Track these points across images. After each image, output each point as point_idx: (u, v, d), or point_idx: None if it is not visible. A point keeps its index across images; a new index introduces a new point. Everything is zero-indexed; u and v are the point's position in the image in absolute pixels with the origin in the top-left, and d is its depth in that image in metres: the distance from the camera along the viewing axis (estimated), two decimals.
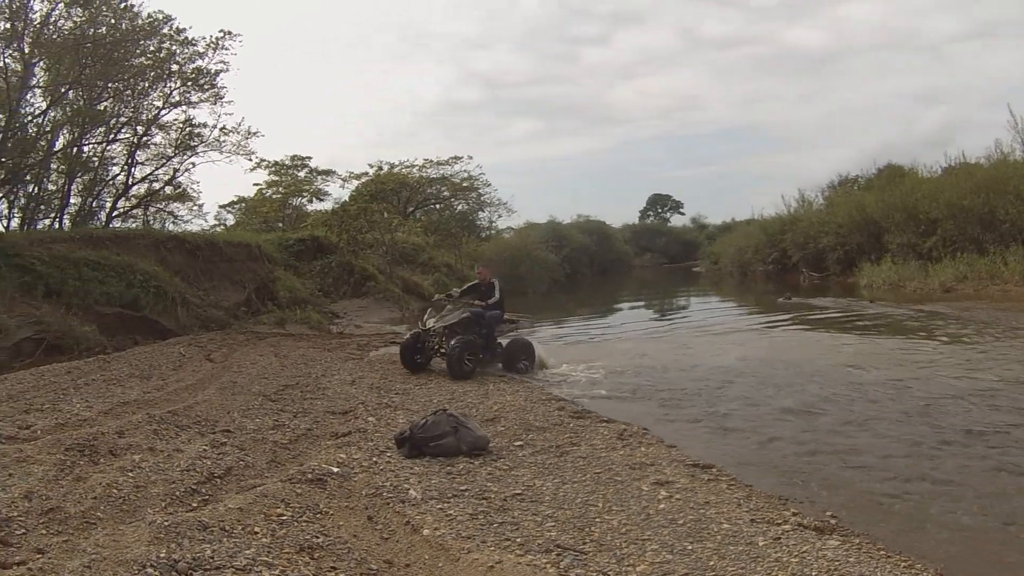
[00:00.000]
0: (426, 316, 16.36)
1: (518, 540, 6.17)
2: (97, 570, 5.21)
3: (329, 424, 10.78)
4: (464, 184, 55.09)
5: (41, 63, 24.05)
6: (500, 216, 58.72)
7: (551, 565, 5.67)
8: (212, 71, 27.79)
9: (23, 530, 6.09)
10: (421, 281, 37.25)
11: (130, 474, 7.56)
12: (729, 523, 6.60)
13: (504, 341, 16.44)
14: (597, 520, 6.70)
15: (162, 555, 5.45)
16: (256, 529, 6.16)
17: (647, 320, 29.85)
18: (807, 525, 6.64)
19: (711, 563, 5.78)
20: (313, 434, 10.17)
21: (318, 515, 6.67)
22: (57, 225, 26.09)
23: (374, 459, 8.70)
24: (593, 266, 63.66)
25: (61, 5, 23.15)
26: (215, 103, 28.69)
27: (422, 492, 7.50)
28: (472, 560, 5.75)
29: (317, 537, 6.12)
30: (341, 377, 14.72)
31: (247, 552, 5.66)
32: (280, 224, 46.88)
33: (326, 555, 5.84)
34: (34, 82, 24.17)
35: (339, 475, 7.86)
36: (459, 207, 56.42)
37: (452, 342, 14.93)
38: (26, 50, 23.00)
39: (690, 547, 6.08)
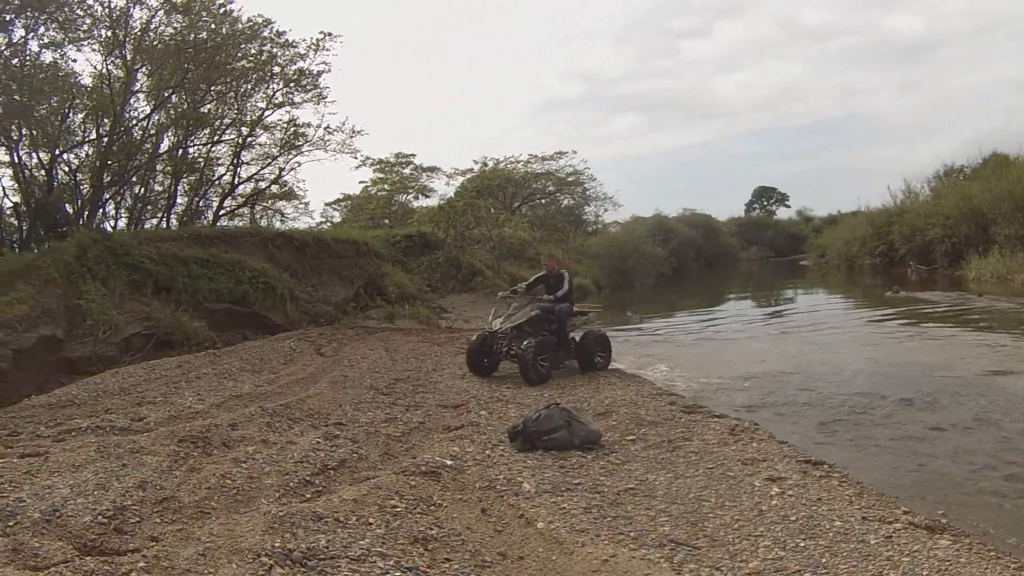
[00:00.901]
0: (491, 316, 15.20)
1: (631, 534, 6.21)
2: (212, 558, 5.29)
3: (441, 418, 10.84)
4: (569, 179, 54.86)
5: (143, 69, 24.78)
6: (606, 210, 58.15)
7: (665, 560, 5.70)
8: (314, 72, 28.16)
9: (137, 519, 6.21)
10: (529, 276, 36.99)
11: (243, 465, 7.72)
12: (841, 520, 6.49)
13: (577, 335, 15.27)
14: (710, 515, 6.67)
15: (277, 544, 5.54)
16: (370, 520, 6.27)
17: (756, 316, 29.12)
18: (918, 524, 6.48)
19: (823, 560, 5.71)
20: (425, 427, 10.25)
21: (432, 507, 6.77)
22: (164, 224, 26.95)
23: (487, 452, 8.77)
24: (700, 259, 62.61)
25: (161, 13, 23.89)
26: (318, 103, 29.09)
27: (536, 485, 7.53)
28: (586, 554, 5.78)
29: (431, 529, 6.22)
30: (452, 371, 14.75)
31: (361, 542, 5.77)
32: (386, 220, 47.55)
33: (440, 547, 5.92)
34: (137, 87, 25.06)
35: (452, 468, 7.95)
36: (565, 202, 56.08)
37: (523, 344, 13.89)
38: (128, 57, 23.69)
39: (802, 544, 6.02)
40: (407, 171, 53.39)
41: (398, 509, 6.58)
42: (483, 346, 14.55)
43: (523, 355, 13.62)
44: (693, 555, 5.77)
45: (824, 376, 14.27)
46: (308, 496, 7.10)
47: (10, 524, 5.86)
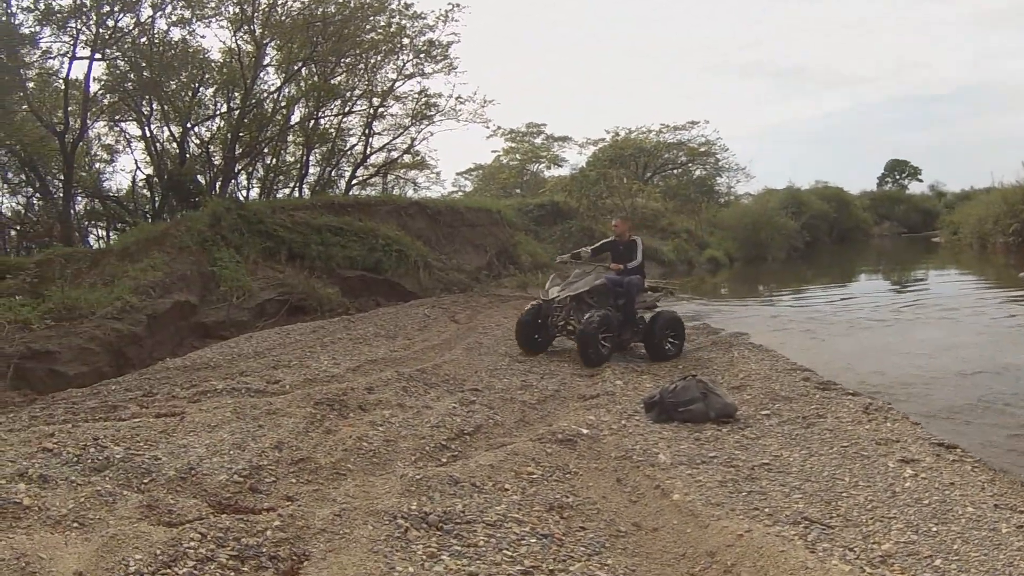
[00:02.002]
0: (548, 283, 13.46)
1: (766, 510, 6.12)
2: (347, 519, 5.33)
3: (576, 386, 10.75)
4: (701, 149, 53.88)
5: (273, 43, 25.31)
6: (738, 181, 56.95)
7: (799, 537, 5.60)
8: (443, 43, 28.50)
9: (273, 478, 6.33)
10: (661, 246, 36.87)
11: (380, 428, 7.78)
12: (973, 507, 6.19)
13: (647, 315, 13.40)
14: (844, 495, 6.50)
15: (413, 507, 5.60)
16: (507, 486, 6.36)
17: (888, 295, 27.52)
18: None
19: (955, 547, 5.50)
20: (560, 395, 10.20)
21: (567, 475, 6.86)
22: (297, 194, 27.67)
23: (623, 422, 8.67)
24: (832, 233, 60.81)
25: None
26: (448, 73, 29.51)
27: (671, 457, 7.42)
28: (721, 527, 5.67)
29: (567, 497, 6.28)
30: None
31: (497, 508, 5.85)
32: (518, 190, 47.76)
33: (575, 515, 5.97)
34: (267, 61, 25.65)
35: (588, 436, 7.92)
36: (696, 172, 55.17)
37: (585, 317, 12.20)
38: (257, 32, 24.27)
39: (935, 528, 5.81)
40: (538, 141, 53.51)
41: (534, 476, 6.65)
42: (536, 318, 13.08)
43: (584, 330, 12.01)
44: (827, 534, 5.68)
45: (966, 360, 13.34)
46: (444, 460, 7.17)
47: (145, 481, 5.98)
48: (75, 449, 6.46)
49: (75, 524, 5.12)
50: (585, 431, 8.07)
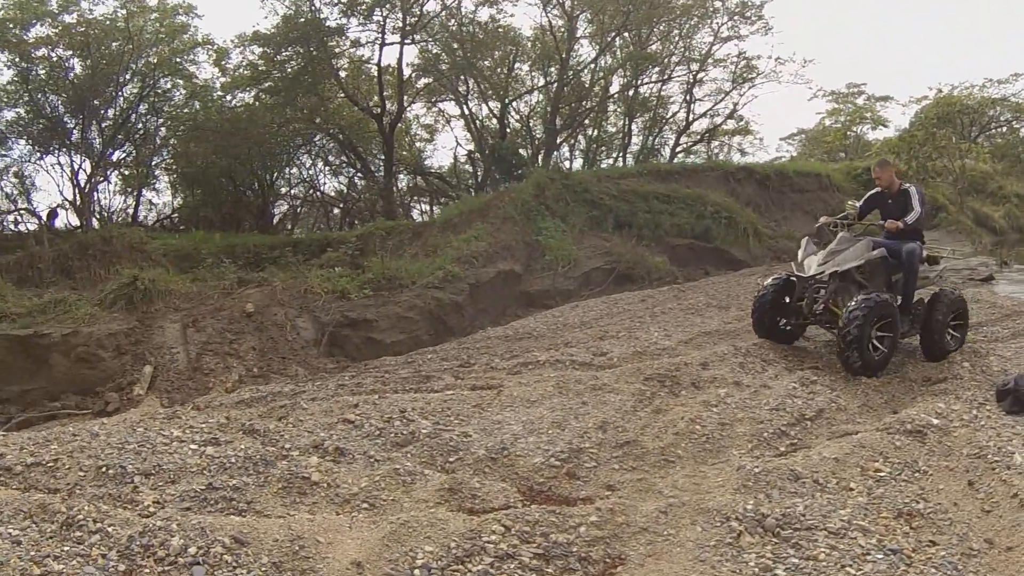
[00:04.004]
0: (802, 251, 9.68)
1: None
2: (673, 517, 4.90)
3: (921, 367, 9.26)
4: None
5: (583, 15, 25.26)
6: None
7: None
8: (756, 3, 27.40)
9: (593, 463, 5.90)
10: (992, 212, 33.56)
11: (714, 410, 7.14)
12: None
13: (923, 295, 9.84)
14: None
15: (748, 507, 5.06)
16: (851, 485, 5.69)
17: None
18: None
19: None
20: (905, 377, 8.84)
21: (916, 474, 6.03)
22: (620, 163, 27.67)
23: (974, 412, 7.42)
24: None
25: None
26: (765, 34, 28.49)
27: None
28: None
29: (916, 502, 5.50)
30: None
31: (841, 512, 5.18)
32: (842, 153, 45.39)
33: (925, 525, 5.20)
34: (580, 33, 25.65)
35: (938, 428, 6.93)
36: (1022, 131, 49.85)
37: (852, 304, 8.61)
38: (567, 5, 24.44)
39: None
40: (860, 101, 50.63)
41: (881, 474, 5.90)
42: (781, 297, 9.76)
43: (849, 325, 8.44)
44: None
45: None
46: (783, 449, 6.51)
47: (451, 460, 5.80)
48: (378, 421, 6.39)
49: (364, 505, 4.98)
50: (935, 421, 7.03)
